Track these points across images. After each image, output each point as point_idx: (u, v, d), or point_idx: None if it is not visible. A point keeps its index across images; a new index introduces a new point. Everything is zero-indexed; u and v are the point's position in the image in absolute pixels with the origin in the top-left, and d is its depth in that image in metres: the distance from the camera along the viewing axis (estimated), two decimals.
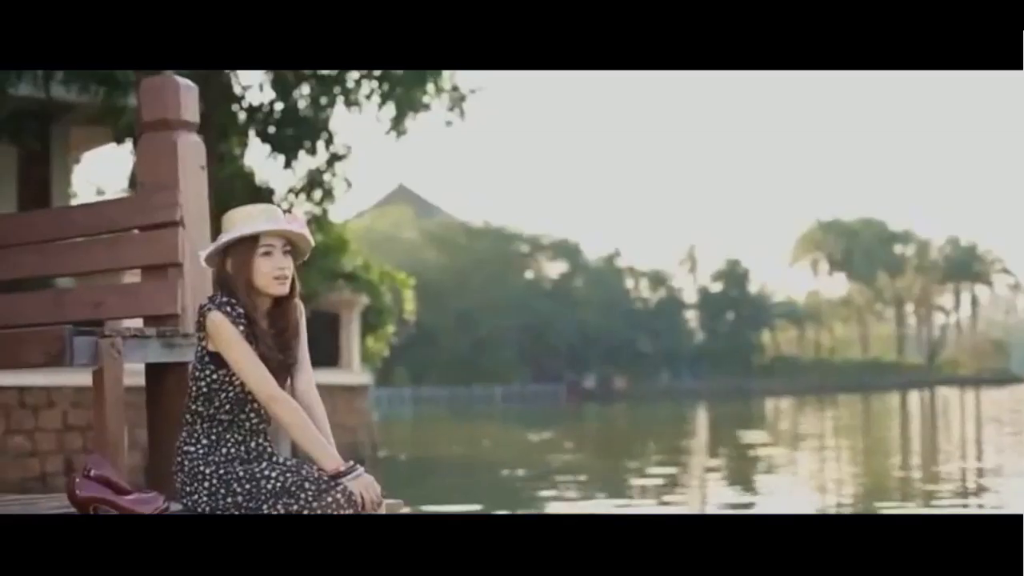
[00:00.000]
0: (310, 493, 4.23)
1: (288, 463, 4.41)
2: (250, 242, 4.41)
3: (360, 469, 4.31)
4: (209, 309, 4.34)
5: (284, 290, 4.44)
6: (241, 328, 4.32)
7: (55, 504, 4.81)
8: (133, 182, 18.51)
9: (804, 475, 17.03)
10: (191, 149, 5.29)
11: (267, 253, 4.42)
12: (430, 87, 19.16)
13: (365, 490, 4.26)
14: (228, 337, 4.30)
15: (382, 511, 4.40)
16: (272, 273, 4.41)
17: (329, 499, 4.21)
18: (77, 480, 4.14)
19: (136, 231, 5.36)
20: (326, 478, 4.26)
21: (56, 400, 13.90)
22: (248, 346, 4.32)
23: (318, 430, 4.39)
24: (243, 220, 4.44)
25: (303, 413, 4.36)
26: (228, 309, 4.32)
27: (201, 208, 5.31)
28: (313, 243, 4.58)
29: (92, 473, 4.21)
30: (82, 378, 12.88)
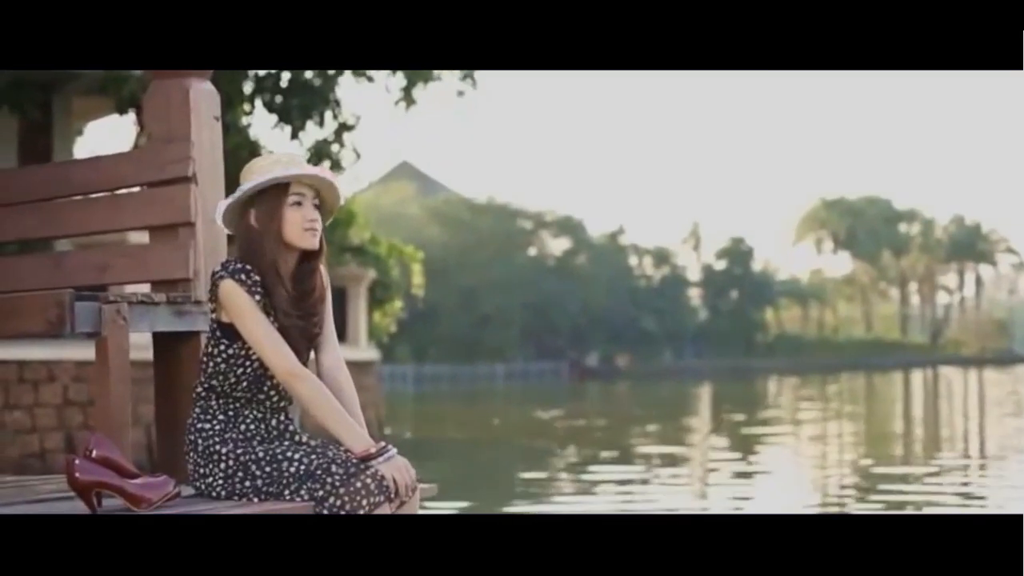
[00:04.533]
0: (337, 477, 3.83)
1: (313, 443, 4.02)
2: (279, 191, 4.00)
3: (392, 451, 3.90)
4: (221, 277, 3.92)
5: (315, 243, 4.04)
6: (257, 298, 3.91)
7: (53, 488, 4.42)
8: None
9: (803, 463, 16.71)
10: (204, 98, 4.84)
11: (297, 203, 4.01)
12: None
13: (398, 473, 3.85)
14: (242, 307, 3.89)
15: (416, 497, 4.00)
16: (303, 224, 4.00)
17: (358, 484, 3.81)
18: (77, 462, 3.68)
19: (144, 188, 4.93)
20: (355, 461, 3.85)
21: (57, 374, 13.63)
22: (265, 317, 3.91)
23: (347, 410, 3.99)
24: (269, 167, 4.01)
25: (327, 391, 3.95)
26: (243, 277, 3.90)
27: (215, 163, 4.86)
28: (342, 199, 4.18)
29: (94, 454, 3.76)
30: (84, 351, 12.84)
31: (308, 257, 4.08)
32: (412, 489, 3.90)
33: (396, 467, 3.86)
